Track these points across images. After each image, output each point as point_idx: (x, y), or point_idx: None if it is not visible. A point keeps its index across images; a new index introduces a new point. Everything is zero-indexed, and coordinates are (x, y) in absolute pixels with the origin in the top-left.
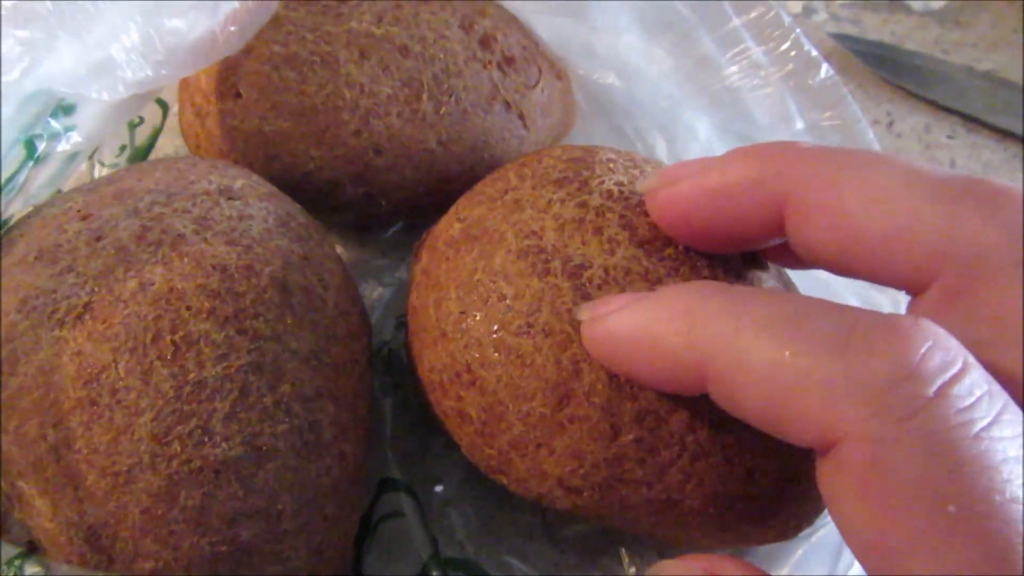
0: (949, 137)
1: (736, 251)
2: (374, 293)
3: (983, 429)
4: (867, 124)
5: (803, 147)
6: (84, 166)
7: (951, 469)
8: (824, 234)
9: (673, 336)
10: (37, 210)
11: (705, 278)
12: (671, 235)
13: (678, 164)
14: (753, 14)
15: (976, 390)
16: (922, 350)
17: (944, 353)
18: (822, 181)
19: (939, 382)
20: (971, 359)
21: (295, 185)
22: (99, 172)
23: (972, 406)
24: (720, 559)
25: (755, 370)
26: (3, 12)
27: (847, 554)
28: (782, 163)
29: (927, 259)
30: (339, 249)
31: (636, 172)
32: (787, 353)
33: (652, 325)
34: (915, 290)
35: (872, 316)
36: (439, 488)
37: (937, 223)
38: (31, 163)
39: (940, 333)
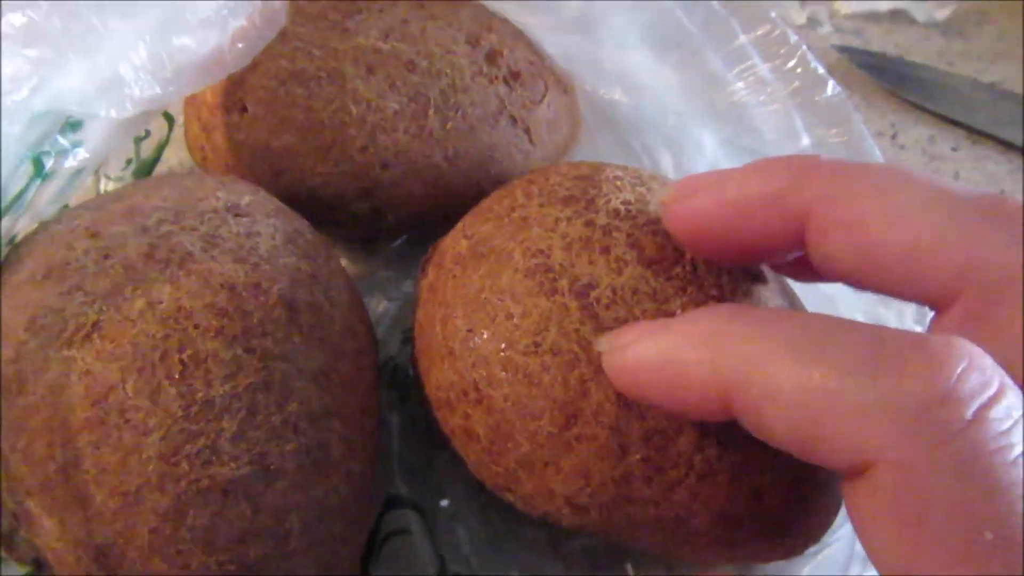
0: (953, 149)
1: (753, 264)
2: (380, 307)
3: (1022, 454)
4: (873, 142)
5: (824, 161)
6: (90, 180)
7: (988, 495)
8: (845, 249)
9: (696, 363)
10: (44, 227)
11: (712, 297)
12: (687, 248)
13: (695, 176)
14: (760, 31)
15: (1014, 412)
16: (957, 371)
17: (980, 374)
18: (844, 196)
19: (976, 405)
20: (1008, 380)
21: (301, 200)
22: (105, 186)
23: (1010, 430)
24: None
25: (783, 394)
26: (12, 30)
27: (854, 572)
28: (803, 176)
29: (950, 277)
30: (345, 262)
31: (643, 190)
32: (816, 376)
33: (674, 352)
34: (937, 307)
35: (903, 335)
36: (445, 503)
37: (960, 241)
38: (38, 180)
39: (976, 352)
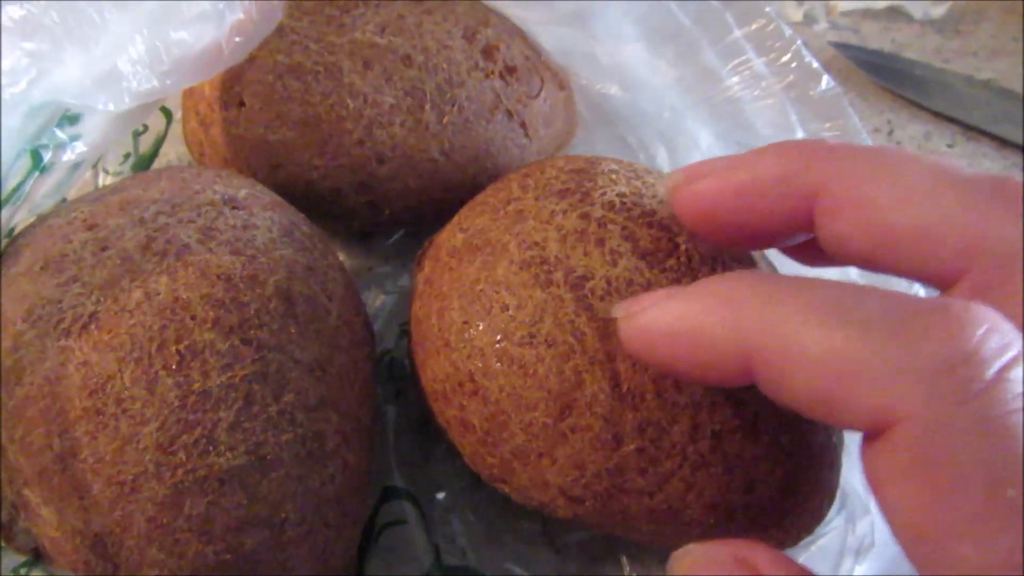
0: (949, 146)
1: (761, 248)
2: (377, 301)
3: None
4: (868, 136)
5: (833, 144)
6: (88, 174)
7: (1010, 454)
8: (854, 229)
9: (717, 326)
10: (42, 219)
11: None
12: (695, 232)
13: (703, 161)
14: (754, 26)
15: None
16: (979, 333)
17: (1000, 336)
18: (853, 176)
19: (997, 365)
20: None
21: (298, 194)
22: (103, 180)
23: None
24: (749, 544)
25: (806, 356)
26: (11, 23)
27: (847, 563)
28: (813, 158)
29: (957, 255)
30: (341, 256)
31: (638, 183)
32: (839, 337)
33: (694, 316)
34: (943, 285)
35: (924, 300)
36: (441, 495)
37: (967, 220)
38: (36, 173)
39: (995, 316)
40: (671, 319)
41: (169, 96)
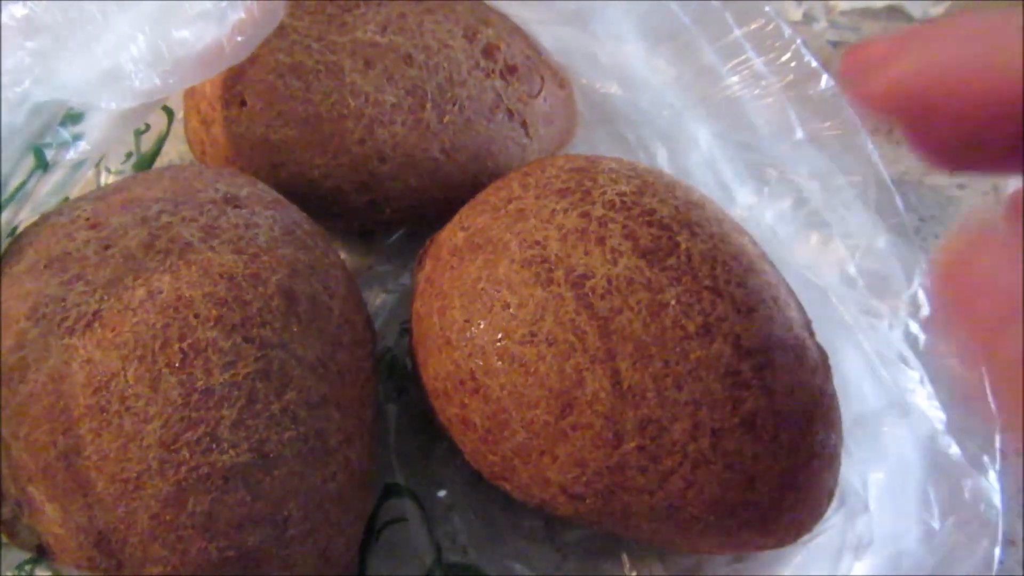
0: None
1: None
2: (378, 299)
3: None
4: (867, 135)
5: None
6: (91, 173)
7: None
8: None
9: (999, 47)
10: (45, 218)
11: (707, 288)
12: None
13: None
14: (754, 25)
15: None
16: None
17: None
18: None
19: None
20: None
21: (300, 192)
22: (105, 178)
23: None
24: None
25: None
26: (13, 22)
27: (846, 560)
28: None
29: None
30: (343, 255)
31: (638, 182)
32: None
33: (975, 41)
34: None
35: None
36: (442, 493)
37: None
38: (39, 171)
39: None
40: (946, 54)
41: (171, 95)
